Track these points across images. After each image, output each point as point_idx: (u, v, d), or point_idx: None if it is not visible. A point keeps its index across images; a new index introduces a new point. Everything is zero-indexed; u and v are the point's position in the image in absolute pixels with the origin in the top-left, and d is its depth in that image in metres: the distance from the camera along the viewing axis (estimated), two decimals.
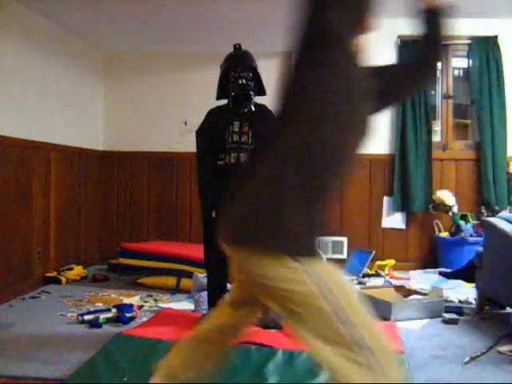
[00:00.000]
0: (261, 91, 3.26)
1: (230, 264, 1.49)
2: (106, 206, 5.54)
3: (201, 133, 3.21)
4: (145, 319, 3.35)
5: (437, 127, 5.41)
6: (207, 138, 3.16)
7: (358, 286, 4.28)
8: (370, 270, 4.89)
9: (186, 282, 4.12)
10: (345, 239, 5.23)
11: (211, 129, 3.17)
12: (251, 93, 3.15)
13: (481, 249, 3.55)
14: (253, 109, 3.17)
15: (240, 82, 3.10)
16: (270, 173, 1.40)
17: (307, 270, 1.36)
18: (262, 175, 1.41)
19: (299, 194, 1.36)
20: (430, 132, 5.18)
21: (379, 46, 5.40)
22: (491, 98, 5.08)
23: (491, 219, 3.50)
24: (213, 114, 3.22)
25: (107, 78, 5.61)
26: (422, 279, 4.50)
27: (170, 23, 4.49)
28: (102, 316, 3.26)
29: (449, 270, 4.55)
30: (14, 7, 3.96)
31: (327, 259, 4.73)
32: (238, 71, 3.13)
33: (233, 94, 3.13)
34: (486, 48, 5.11)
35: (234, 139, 3.08)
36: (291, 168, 1.37)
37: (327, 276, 1.40)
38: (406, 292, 3.78)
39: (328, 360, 1.37)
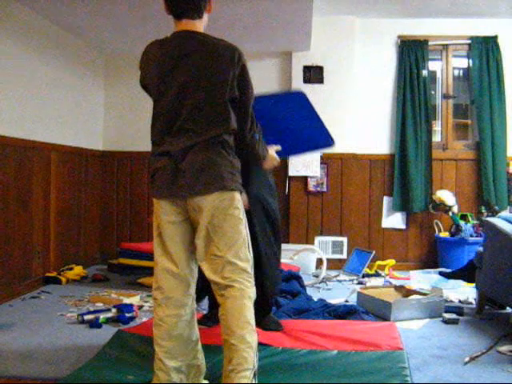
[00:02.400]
0: None
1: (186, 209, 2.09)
2: (105, 206, 5.54)
3: None
4: (145, 319, 3.35)
5: (437, 127, 5.41)
6: None
7: (357, 286, 4.29)
8: (370, 270, 4.89)
9: None
10: (345, 239, 5.23)
11: None
12: None
13: (481, 249, 3.55)
14: None
15: None
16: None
17: (240, 202, 2.11)
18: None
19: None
20: (430, 132, 5.18)
21: (380, 46, 5.45)
22: (491, 97, 5.09)
23: (491, 219, 3.49)
24: None
25: (107, 77, 5.62)
26: (422, 279, 4.50)
27: (170, 23, 4.49)
28: (102, 316, 3.26)
29: (449, 270, 4.54)
30: (14, 7, 3.96)
31: (327, 259, 4.73)
32: None
33: None
34: (485, 48, 5.12)
35: None
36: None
37: (244, 213, 2.14)
38: (406, 292, 3.79)
39: (235, 268, 2.04)
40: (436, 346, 2.91)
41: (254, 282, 2.09)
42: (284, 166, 5.12)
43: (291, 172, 5.22)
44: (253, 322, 2.02)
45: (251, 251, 2.11)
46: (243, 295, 2.02)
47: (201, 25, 2.19)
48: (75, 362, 2.56)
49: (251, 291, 2.06)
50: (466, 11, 5.01)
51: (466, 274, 3.98)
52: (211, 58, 2.05)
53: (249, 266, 2.08)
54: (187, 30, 2.14)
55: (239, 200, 2.10)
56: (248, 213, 2.32)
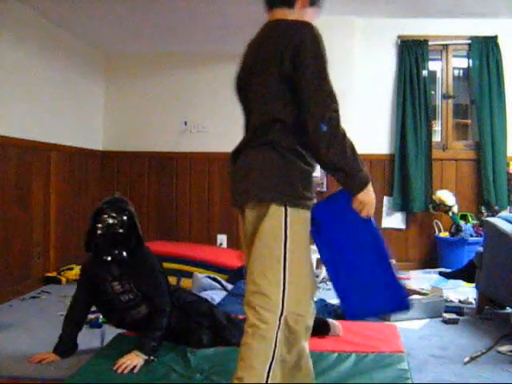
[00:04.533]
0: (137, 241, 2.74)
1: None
2: None
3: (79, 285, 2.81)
4: None
5: (437, 127, 5.41)
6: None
7: None
8: None
9: (186, 282, 4.12)
10: None
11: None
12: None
13: (481, 249, 3.55)
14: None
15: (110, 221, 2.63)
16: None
17: (286, 217, 1.74)
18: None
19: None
20: (430, 132, 5.18)
21: (380, 46, 5.44)
22: (491, 98, 5.08)
23: (491, 219, 3.49)
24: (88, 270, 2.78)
25: (107, 78, 5.61)
26: (422, 279, 4.50)
27: (170, 23, 4.50)
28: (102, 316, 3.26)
29: (449, 270, 4.55)
30: (14, 7, 3.96)
31: None
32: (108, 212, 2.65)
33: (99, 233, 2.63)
34: (486, 48, 5.11)
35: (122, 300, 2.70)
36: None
37: (297, 232, 1.76)
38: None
39: (256, 290, 1.73)
40: (436, 346, 2.91)
41: (280, 313, 1.72)
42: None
43: None
44: (260, 365, 1.69)
45: (287, 276, 1.74)
46: (254, 333, 1.71)
47: (291, 14, 1.84)
48: (75, 362, 2.56)
49: (266, 328, 1.70)
50: (466, 11, 5.00)
51: (465, 274, 3.98)
52: (269, 39, 1.78)
53: (274, 293, 1.72)
54: (271, 20, 1.86)
55: (279, 214, 1.74)
56: None
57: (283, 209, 1.74)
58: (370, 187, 1.77)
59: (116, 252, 2.63)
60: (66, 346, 2.67)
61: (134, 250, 2.69)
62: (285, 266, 1.74)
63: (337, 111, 1.72)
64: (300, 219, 1.78)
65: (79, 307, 2.74)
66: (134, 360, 2.41)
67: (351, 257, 1.85)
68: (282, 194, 1.74)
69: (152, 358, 2.46)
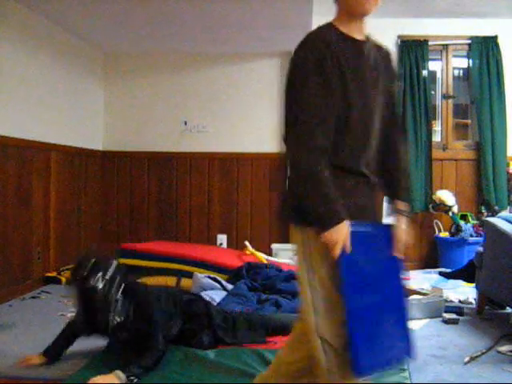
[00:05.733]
0: None
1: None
2: (106, 206, 5.54)
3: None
4: None
5: (437, 127, 5.41)
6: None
7: None
8: None
9: (186, 282, 4.11)
10: None
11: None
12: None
13: (481, 249, 3.55)
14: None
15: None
16: None
17: (303, 237, 1.66)
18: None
19: None
20: (430, 132, 5.18)
21: None
22: (491, 98, 5.08)
23: (491, 219, 3.50)
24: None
25: (107, 77, 5.61)
26: (422, 279, 4.50)
27: (170, 23, 4.49)
28: None
29: (449, 270, 4.55)
30: (14, 7, 3.96)
31: None
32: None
33: None
34: (486, 48, 5.12)
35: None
36: None
37: (316, 251, 1.64)
38: (406, 292, 3.78)
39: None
40: (436, 346, 2.91)
41: (317, 334, 1.63)
42: (283, 165, 5.11)
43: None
44: None
45: (314, 298, 1.64)
46: None
47: (336, 15, 1.81)
48: (76, 362, 2.56)
49: (311, 348, 1.68)
50: (466, 11, 5.00)
51: (465, 274, 3.98)
52: None
53: (308, 314, 1.64)
54: None
55: (297, 233, 1.69)
56: None
57: (299, 228, 1.68)
58: (338, 227, 1.56)
59: (111, 324, 2.52)
60: (55, 351, 2.65)
61: (130, 300, 2.60)
62: (311, 286, 1.65)
63: (305, 138, 1.59)
64: (318, 237, 1.61)
65: (77, 330, 2.71)
66: (106, 380, 2.29)
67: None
68: (296, 213, 1.68)
69: (132, 379, 2.35)
